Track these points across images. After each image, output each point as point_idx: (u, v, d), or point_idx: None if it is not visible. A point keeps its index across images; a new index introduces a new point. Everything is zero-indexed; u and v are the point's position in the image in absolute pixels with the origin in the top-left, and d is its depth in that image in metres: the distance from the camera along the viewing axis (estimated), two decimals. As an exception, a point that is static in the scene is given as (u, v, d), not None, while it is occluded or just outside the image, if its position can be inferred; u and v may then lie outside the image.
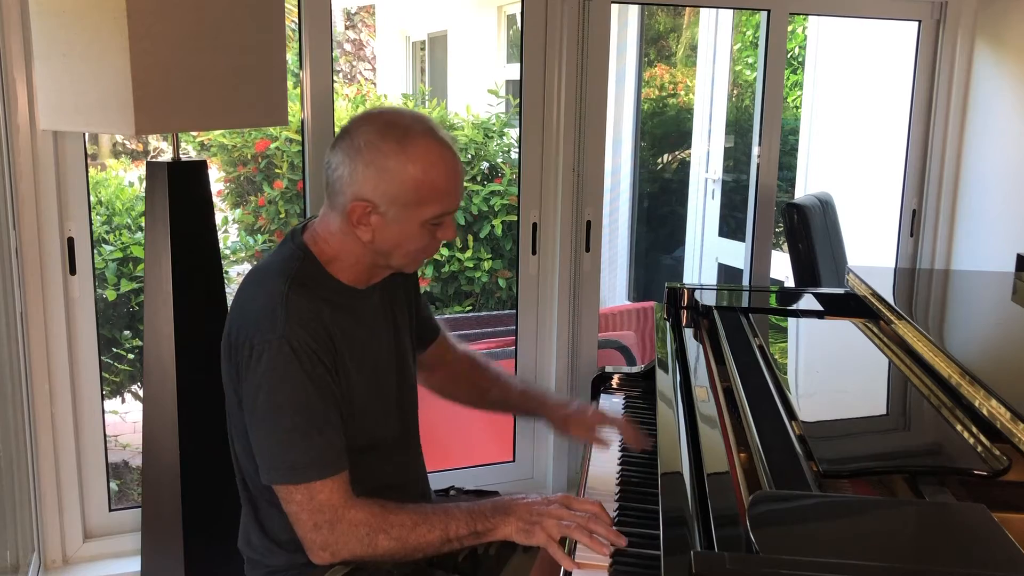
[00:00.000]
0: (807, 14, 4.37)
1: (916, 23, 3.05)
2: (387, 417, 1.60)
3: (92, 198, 2.52)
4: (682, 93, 5.91)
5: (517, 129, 2.69)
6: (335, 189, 1.45)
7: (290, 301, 1.41)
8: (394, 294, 1.65)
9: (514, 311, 2.83)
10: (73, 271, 2.22)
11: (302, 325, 1.41)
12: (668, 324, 2.02)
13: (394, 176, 1.40)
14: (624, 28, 5.41)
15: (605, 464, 1.72)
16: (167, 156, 2.07)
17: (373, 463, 1.53)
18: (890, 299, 1.88)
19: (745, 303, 2.12)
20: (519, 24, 2.69)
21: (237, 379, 1.45)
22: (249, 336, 1.41)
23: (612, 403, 2.01)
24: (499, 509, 1.44)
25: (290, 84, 2.56)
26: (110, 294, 3.38)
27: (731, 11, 4.98)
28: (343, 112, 4.86)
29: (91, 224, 2.25)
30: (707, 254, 5.20)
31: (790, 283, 3.35)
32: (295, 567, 1.52)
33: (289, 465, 1.40)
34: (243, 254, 5.04)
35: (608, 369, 2.11)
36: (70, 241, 2.21)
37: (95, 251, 2.40)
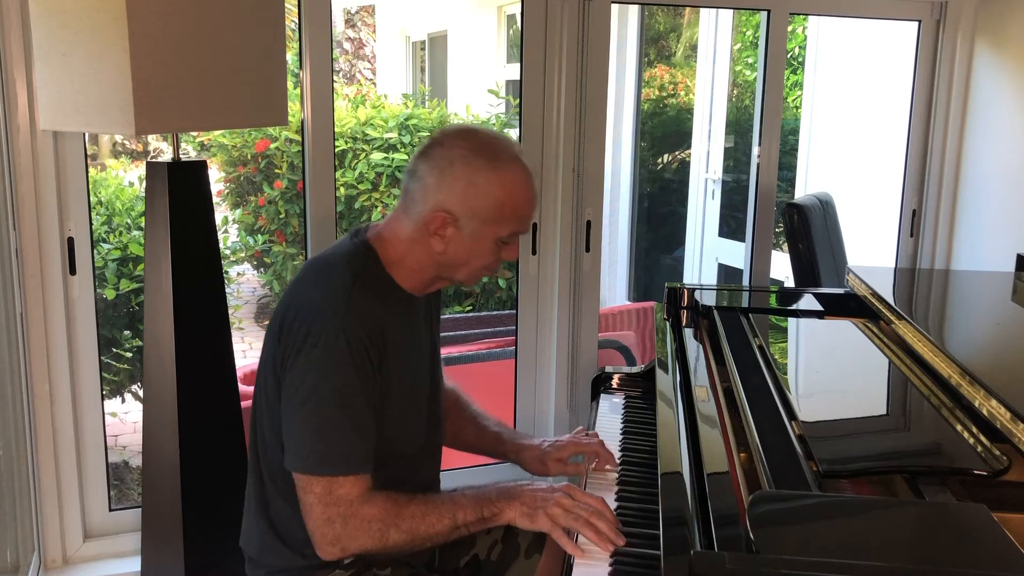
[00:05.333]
0: (807, 14, 4.37)
1: (916, 23, 3.05)
2: (415, 427, 1.60)
3: (92, 198, 2.52)
4: (682, 93, 5.91)
5: (517, 129, 2.69)
6: (415, 197, 1.48)
7: (353, 296, 1.44)
8: (433, 305, 1.67)
9: (514, 311, 2.83)
10: (73, 271, 2.22)
11: (360, 321, 1.43)
12: (668, 324, 2.02)
13: (480, 192, 1.45)
14: (624, 28, 5.41)
15: (605, 464, 1.72)
16: (167, 156, 2.07)
17: (396, 473, 1.52)
18: (890, 299, 1.88)
19: (745, 303, 2.12)
20: (519, 24, 2.69)
21: (282, 362, 1.45)
22: (307, 321, 1.43)
23: (612, 403, 2.01)
24: (504, 494, 1.46)
25: (290, 84, 2.56)
26: (110, 294, 3.38)
27: (731, 11, 4.98)
28: (343, 112, 4.86)
29: (91, 224, 2.25)
30: (707, 254, 5.20)
31: (790, 283, 3.34)
32: (297, 569, 1.52)
33: (318, 456, 1.41)
34: (243, 254, 5.04)
35: (608, 369, 2.11)
36: (70, 241, 2.21)
37: (95, 251, 2.40)
